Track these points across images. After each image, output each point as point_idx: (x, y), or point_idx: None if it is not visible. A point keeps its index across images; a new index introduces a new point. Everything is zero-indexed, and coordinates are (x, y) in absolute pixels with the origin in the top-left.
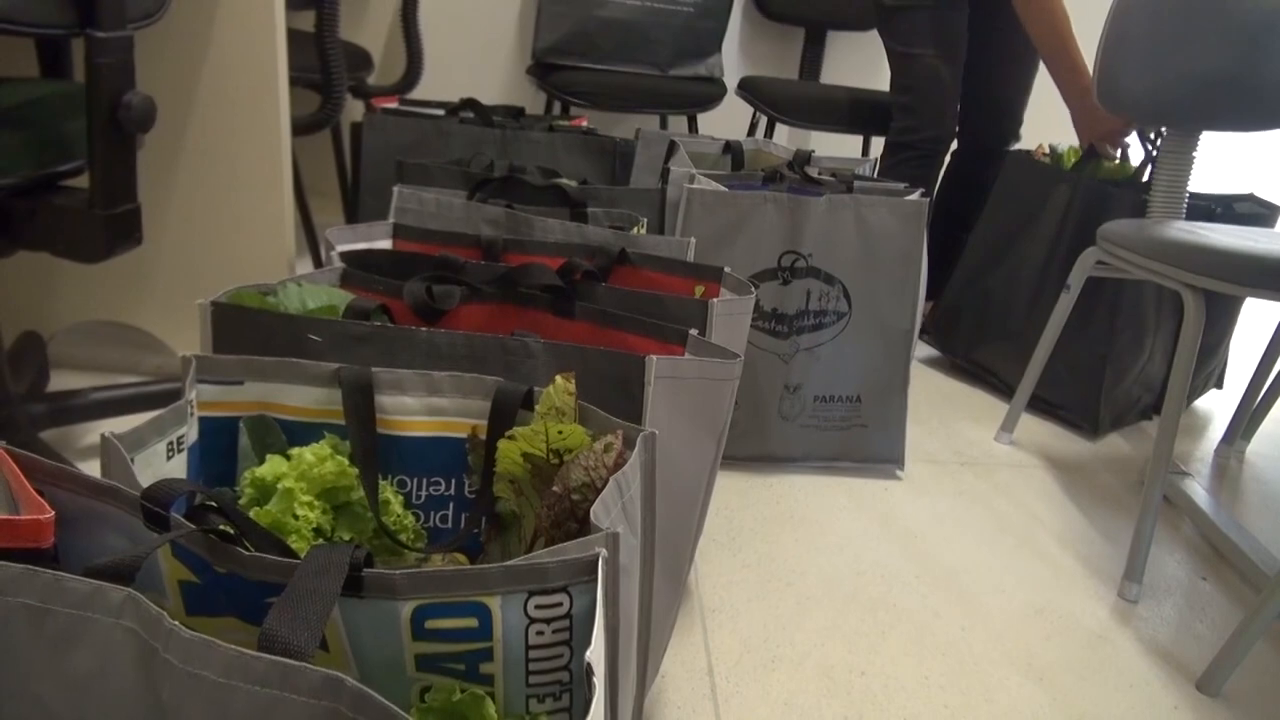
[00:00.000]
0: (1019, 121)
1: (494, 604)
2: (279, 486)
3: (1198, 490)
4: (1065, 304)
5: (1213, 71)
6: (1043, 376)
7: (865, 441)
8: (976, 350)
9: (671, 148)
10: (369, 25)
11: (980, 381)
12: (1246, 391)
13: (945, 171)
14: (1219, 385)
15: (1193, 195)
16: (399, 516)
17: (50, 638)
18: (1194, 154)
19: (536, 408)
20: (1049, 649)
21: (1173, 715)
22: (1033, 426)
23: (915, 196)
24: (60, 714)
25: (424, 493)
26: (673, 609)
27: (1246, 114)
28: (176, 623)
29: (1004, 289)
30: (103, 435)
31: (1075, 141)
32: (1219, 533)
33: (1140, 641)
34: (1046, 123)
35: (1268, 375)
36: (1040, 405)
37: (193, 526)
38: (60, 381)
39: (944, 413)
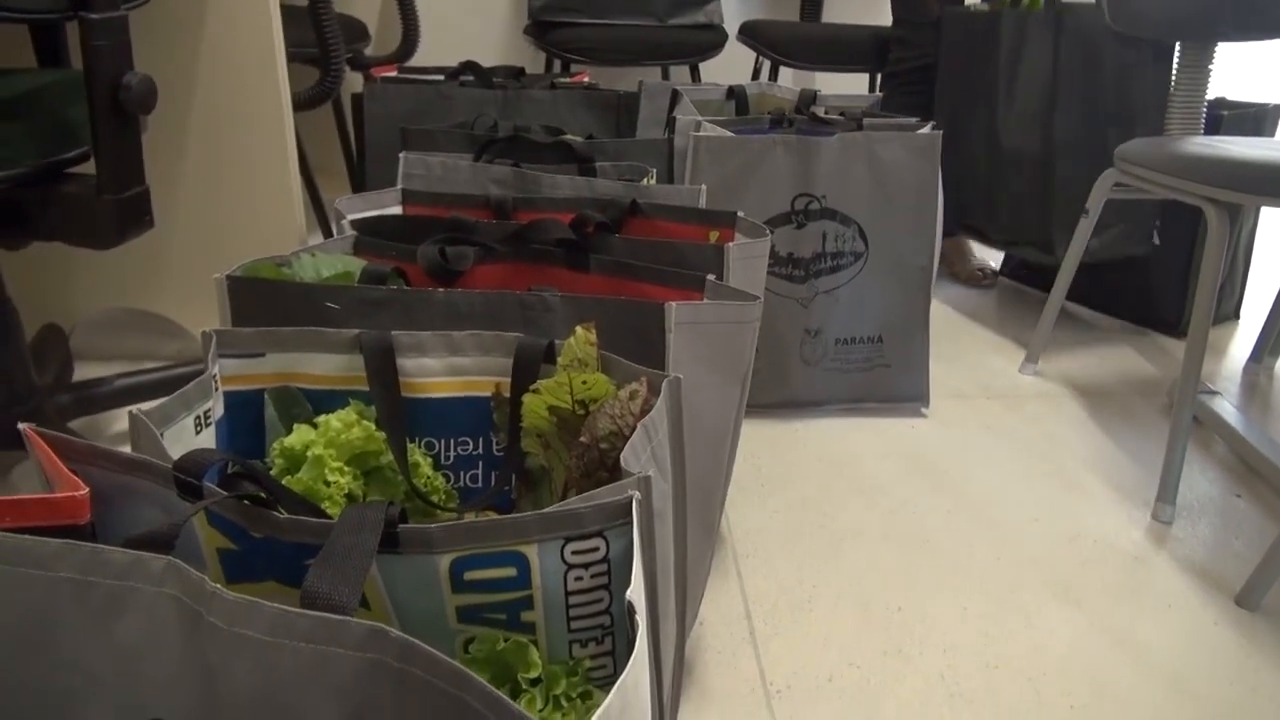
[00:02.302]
0: None
1: (531, 552)
2: (309, 454)
3: (1227, 408)
4: (1085, 228)
5: None
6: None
7: (889, 381)
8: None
9: (675, 97)
10: None
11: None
12: (1274, 307)
13: None
14: (1235, 316)
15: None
16: (429, 478)
17: (94, 610)
18: (1210, 67)
19: (559, 360)
20: (1085, 574)
21: (1212, 630)
22: (1058, 357)
23: (928, 129)
24: (110, 683)
25: (452, 453)
26: (707, 556)
27: (1260, 23)
28: (219, 586)
29: (985, 152)
30: (131, 412)
31: None
32: (1251, 449)
33: (1176, 561)
34: None
35: None
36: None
37: (227, 494)
38: (84, 371)
39: (966, 347)
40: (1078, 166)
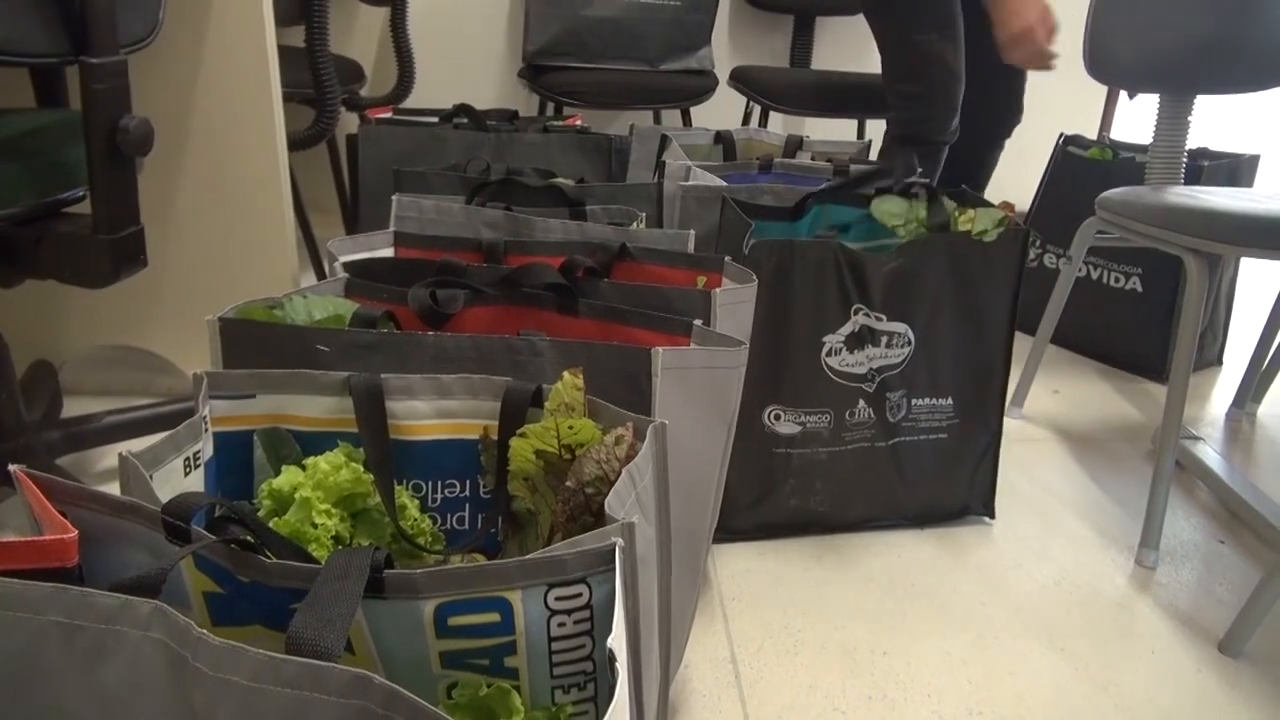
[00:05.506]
0: (1019, 102)
1: (515, 598)
2: (296, 496)
3: (1210, 454)
4: (1068, 273)
5: (1203, 34)
6: None
7: None
8: None
9: (664, 142)
10: (358, 37)
11: None
12: (1255, 353)
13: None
14: (1219, 361)
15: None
16: (416, 520)
17: (81, 653)
18: (1189, 118)
19: (546, 405)
20: (1070, 620)
21: (1196, 678)
22: (1042, 400)
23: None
24: None
25: (439, 495)
26: (692, 598)
27: (1238, 76)
28: (204, 631)
29: None
30: (121, 454)
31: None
32: (1234, 495)
33: (1160, 607)
34: (1053, 108)
35: (1275, 336)
36: None
37: (214, 538)
38: (73, 407)
39: None
40: None
